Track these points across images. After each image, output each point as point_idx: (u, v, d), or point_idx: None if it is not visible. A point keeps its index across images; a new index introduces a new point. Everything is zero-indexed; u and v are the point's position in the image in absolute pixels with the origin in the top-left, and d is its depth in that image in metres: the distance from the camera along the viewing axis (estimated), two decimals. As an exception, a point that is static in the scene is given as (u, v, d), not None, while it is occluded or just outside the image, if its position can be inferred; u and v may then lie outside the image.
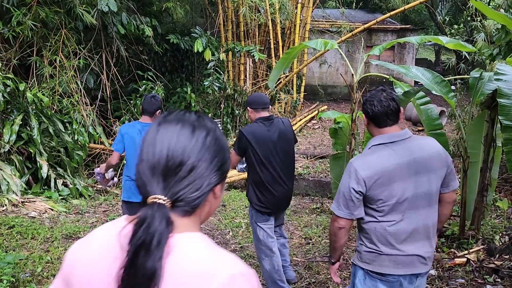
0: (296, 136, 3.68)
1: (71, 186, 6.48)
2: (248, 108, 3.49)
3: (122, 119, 8.73)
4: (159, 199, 0.80)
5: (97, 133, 7.79)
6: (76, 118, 7.24)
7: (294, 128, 12.35)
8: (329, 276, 3.39)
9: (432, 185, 2.00)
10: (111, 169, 3.91)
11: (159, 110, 3.61)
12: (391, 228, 1.99)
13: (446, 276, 3.72)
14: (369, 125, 2.10)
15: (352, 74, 4.68)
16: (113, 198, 6.94)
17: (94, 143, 7.80)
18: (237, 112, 11.91)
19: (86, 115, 7.49)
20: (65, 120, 7.08)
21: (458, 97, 8.21)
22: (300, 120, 12.67)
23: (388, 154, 1.98)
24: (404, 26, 17.95)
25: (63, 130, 6.95)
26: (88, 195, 6.64)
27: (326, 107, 14.13)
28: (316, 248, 4.68)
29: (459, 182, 4.44)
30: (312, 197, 7.25)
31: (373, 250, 2.04)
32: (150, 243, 0.75)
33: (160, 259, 0.75)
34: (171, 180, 0.81)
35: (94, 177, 5.65)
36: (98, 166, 3.97)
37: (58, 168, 6.59)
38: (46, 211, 5.42)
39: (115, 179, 4.50)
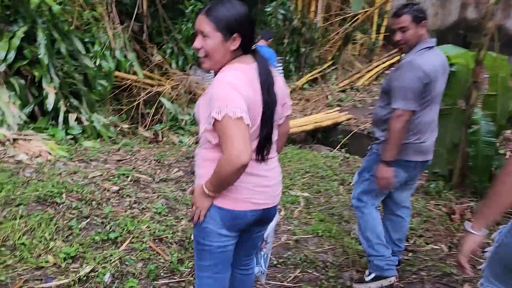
0: None
1: (87, 123, 5.10)
2: None
3: (163, 47, 7.16)
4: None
5: (129, 60, 6.29)
6: (100, 38, 5.74)
7: (369, 75, 10.24)
8: None
9: (444, 85, 2.36)
10: None
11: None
12: (419, 119, 2.26)
13: None
14: (416, 30, 2.26)
15: None
16: (139, 142, 5.52)
17: (125, 72, 6.33)
18: (303, 50, 9.92)
19: (115, 35, 5.96)
20: (86, 40, 5.60)
21: None
22: (377, 66, 10.43)
23: (433, 55, 2.27)
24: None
25: (83, 53, 5.49)
26: (108, 136, 5.25)
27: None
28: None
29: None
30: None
31: (404, 142, 2.25)
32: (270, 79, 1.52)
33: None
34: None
35: None
36: None
37: (73, 100, 5.20)
38: (40, 154, 4.08)
39: None
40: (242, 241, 1.70)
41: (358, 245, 3.04)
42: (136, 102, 6.36)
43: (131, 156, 4.64)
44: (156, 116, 6.56)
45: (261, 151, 1.53)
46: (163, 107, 6.56)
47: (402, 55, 2.41)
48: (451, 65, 3.33)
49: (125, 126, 5.76)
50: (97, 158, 4.34)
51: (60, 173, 3.62)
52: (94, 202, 3.14)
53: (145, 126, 6.40)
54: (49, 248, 2.45)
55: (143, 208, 3.29)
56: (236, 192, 1.52)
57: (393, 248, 2.57)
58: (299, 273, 2.74)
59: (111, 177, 3.77)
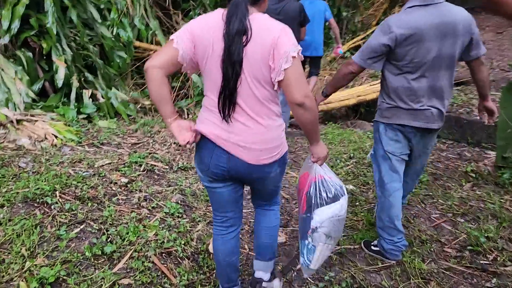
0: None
1: (102, 100, 4.59)
2: None
3: (190, 13, 6.48)
4: None
5: (150, 29, 5.67)
6: (118, 4, 5.13)
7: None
8: None
9: (455, 49, 2.07)
10: None
11: None
12: (411, 84, 2.13)
13: None
14: None
15: None
16: (161, 120, 4.96)
17: (147, 42, 5.73)
18: (344, 14, 8.95)
19: (134, 1, 5.33)
20: (102, 6, 5.01)
21: None
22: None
23: (422, 15, 2.03)
24: None
25: (99, 21, 4.92)
26: (127, 114, 4.73)
27: None
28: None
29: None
30: (444, 141, 4.66)
31: (393, 105, 2.21)
32: (239, 12, 1.44)
33: (246, 19, 1.44)
34: None
35: None
36: None
37: (87, 74, 4.68)
38: (46, 137, 3.60)
39: None
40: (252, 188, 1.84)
41: (422, 264, 2.36)
42: (159, 76, 5.78)
43: (149, 138, 4.09)
44: (182, 91, 5.97)
45: (222, 107, 1.52)
46: (190, 80, 5.95)
47: None
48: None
49: (147, 102, 5.21)
50: (110, 141, 3.82)
51: (61, 162, 3.12)
52: (94, 201, 2.62)
53: (170, 101, 5.85)
54: (25, 269, 1.93)
55: (153, 207, 2.73)
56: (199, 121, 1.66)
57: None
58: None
59: (121, 166, 3.24)
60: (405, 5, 2.11)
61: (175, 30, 6.20)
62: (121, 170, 3.16)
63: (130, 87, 5.49)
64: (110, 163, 3.28)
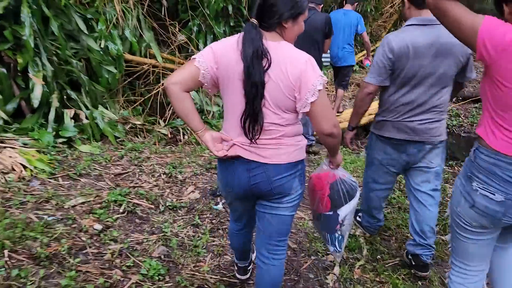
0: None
1: (86, 121, 4.09)
2: None
3: (189, 24, 6.01)
4: (252, 20, 1.53)
5: (144, 41, 5.19)
6: (106, 14, 4.66)
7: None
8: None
9: (450, 68, 2.18)
10: None
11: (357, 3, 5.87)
12: (400, 99, 2.26)
13: None
14: (409, 9, 2.24)
15: None
16: (154, 142, 4.47)
17: (140, 55, 5.25)
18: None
19: (123, 10, 4.86)
20: (89, 16, 4.54)
21: None
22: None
23: (418, 34, 2.15)
24: None
25: (85, 33, 4.45)
26: (114, 136, 4.23)
27: None
28: None
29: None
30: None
31: (382, 119, 2.36)
32: (252, 35, 1.48)
33: (259, 42, 1.47)
34: (259, 11, 1.52)
35: None
36: None
37: (71, 92, 4.19)
38: (13, 168, 3.10)
39: None
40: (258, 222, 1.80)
41: None
42: (154, 92, 5.29)
43: (136, 167, 3.58)
44: (178, 108, 5.47)
45: (247, 129, 1.54)
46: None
47: None
48: None
49: (138, 122, 4.72)
50: (89, 172, 3.31)
51: (24, 203, 2.61)
52: (53, 261, 2.10)
53: (165, 120, 5.34)
54: None
55: (129, 266, 2.21)
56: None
57: (418, 240, 2.43)
58: None
59: (96, 207, 2.72)
60: (405, 23, 2.28)
61: (172, 42, 5.73)
62: (96, 213, 2.64)
63: (121, 105, 4.99)
64: (84, 202, 2.77)
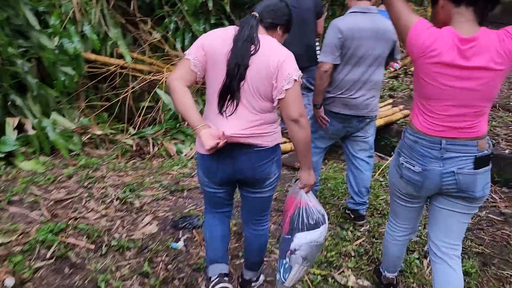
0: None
1: (33, 132, 3.48)
2: None
3: (165, 21, 5.40)
4: (255, 13, 1.65)
5: (110, 39, 4.58)
6: (62, 7, 4.04)
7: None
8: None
9: (384, 51, 2.54)
10: None
11: None
12: (345, 76, 2.54)
13: None
14: (351, 0, 2.61)
15: None
16: (116, 156, 3.87)
17: (106, 54, 4.64)
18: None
19: (84, 3, 4.23)
20: (42, 9, 3.92)
21: None
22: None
23: (360, 19, 2.49)
24: None
25: (37, 28, 3.83)
26: (66, 149, 3.61)
27: None
28: None
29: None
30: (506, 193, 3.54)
31: (332, 95, 2.61)
32: (250, 24, 1.60)
33: (255, 31, 1.59)
34: (263, 10, 1.67)
35: None
36: None
37: (15, 97, 3.57)
38: None
39: None
40: (242, 200, 1.94)
41: None
42: (121, 96, 4.68)
43: (85, 189, 2.98)
44: (150, 114, 4.87)
45: (219, 102, 1.63)
46: (160, 101, 4.86)
47: None
48: None
49: (99, 132, 4.10)
50: (23, 198, 2.71)
51: None
52: None
53: (135, 127, 4.73)
54: None
55: None
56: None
57: (356, 199, 2.86)
58: None
59: (16, 250, 2.12)
60: (349, 10, 2.57)
61: (144, 42, 5.12)
62: (12, 261, 2.04)
63: (81, 112, 4.38)
64: (2, 244, 2.16)
